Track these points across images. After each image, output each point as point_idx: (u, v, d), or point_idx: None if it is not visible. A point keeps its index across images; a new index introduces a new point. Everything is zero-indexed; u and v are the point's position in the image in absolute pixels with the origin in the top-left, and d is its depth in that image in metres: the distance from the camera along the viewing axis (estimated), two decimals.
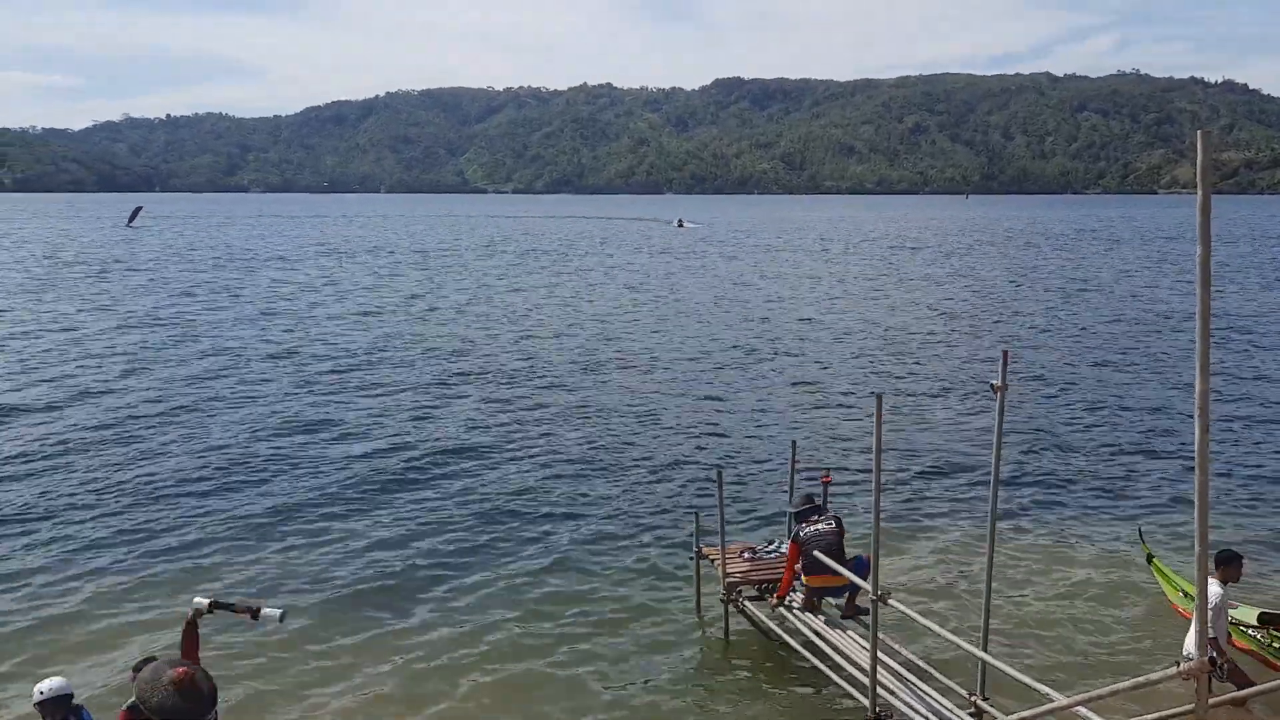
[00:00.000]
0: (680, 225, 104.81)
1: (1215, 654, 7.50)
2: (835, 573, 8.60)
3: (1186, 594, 9.72)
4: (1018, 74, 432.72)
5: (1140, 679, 5.04)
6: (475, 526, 12.84)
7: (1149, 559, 10.38)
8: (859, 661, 8.00)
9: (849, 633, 8.72)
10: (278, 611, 5.10)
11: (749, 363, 24.34)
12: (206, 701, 5.16)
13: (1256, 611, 9.20)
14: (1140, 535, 10.88)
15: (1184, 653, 7.92)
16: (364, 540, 12.28)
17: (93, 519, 12.88)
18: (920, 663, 8.16)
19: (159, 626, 9.80)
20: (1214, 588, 7.66)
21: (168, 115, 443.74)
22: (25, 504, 13.42)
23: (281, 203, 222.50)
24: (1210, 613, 6.38)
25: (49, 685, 6.24)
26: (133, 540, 12.14)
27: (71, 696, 6.31)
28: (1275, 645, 8.78)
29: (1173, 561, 10.83)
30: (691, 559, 10.37)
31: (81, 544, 12.02)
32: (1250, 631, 8.98)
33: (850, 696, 7.98)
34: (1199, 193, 4.26)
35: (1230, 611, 9.20)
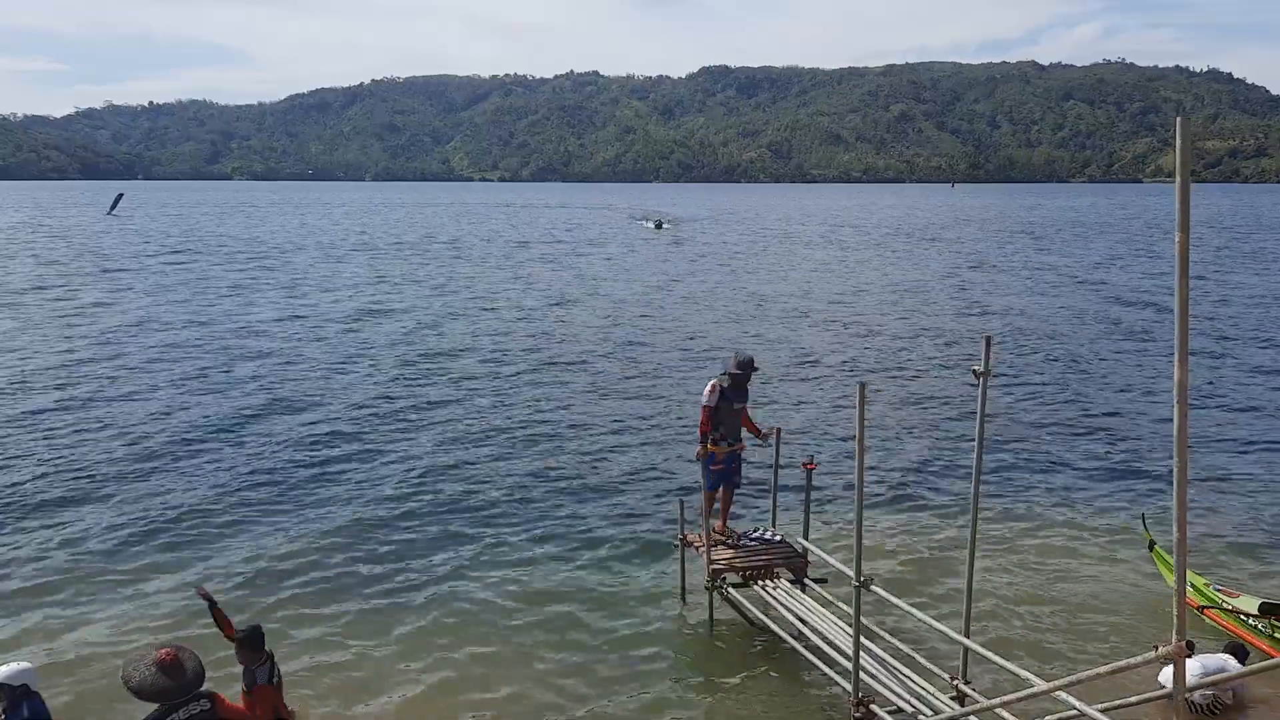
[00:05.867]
0: (658, 227, 79.52)
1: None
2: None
3: (1194, 586, 9.74)
4: (1004, 62, 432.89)
5: (1120, 663, 5.07)
6: (453, 512, 12.84)
7: (1150, 545, 10.26)
8: (842, 647, 8.04)
9: (832, 619, 8.75)
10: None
11: (734, 350, 24.33)
12: (190, 681, 5.16)
13: (1258, 601, 9.30)
14: (1144, 523, 10.74)
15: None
16: (342, 522, 12.28)
17: (88, 502, 12.82)
18: (903, 648, 8.21)
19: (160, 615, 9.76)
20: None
21: (150, 102, 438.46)
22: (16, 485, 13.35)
23: (267, 190, 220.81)
24: None
25: (5, 671, 5.83)
26: (139, 527, 12.08)
27: (28, 686, 5.91)
28: (1277, 635, 8.90)
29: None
30: (676, 545, 10.38)
31: (78, 530, 11.97)
32: (1251, 621, 9.11)
33: (834, 682, 8.03)
34: (1177, 180, 4.25)
35: (1232, 600, 9.38)
